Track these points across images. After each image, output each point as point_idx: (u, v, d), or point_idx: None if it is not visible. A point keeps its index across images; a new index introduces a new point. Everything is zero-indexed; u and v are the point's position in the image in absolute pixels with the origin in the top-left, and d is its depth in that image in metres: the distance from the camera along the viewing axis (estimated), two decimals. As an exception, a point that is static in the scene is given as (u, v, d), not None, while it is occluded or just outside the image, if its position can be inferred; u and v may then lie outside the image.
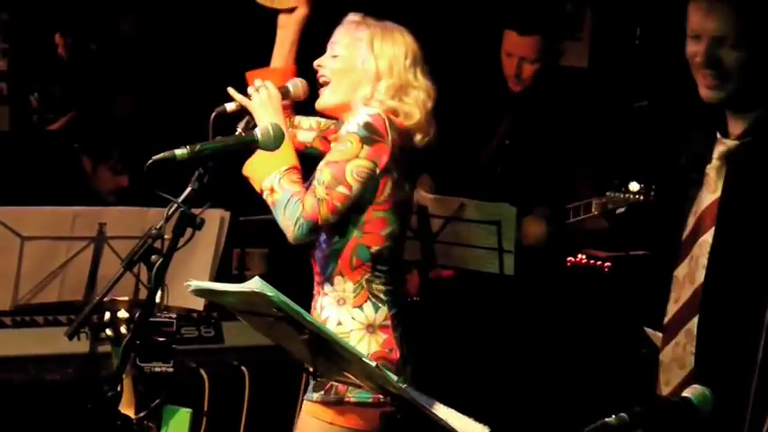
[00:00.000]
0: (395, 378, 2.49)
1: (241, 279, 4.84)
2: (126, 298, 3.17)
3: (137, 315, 2.96)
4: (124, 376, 2.93)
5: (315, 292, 3.32)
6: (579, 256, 5.27)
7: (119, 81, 6.19)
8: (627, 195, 4.22)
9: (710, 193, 2.67)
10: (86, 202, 4.62)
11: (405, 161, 3.24)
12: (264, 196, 3.19)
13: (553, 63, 4.79)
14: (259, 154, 3.16)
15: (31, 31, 6.18)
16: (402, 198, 3.26)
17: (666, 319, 2.75)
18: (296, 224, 3.12)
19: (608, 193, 4.26)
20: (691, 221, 2.71)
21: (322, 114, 3.42)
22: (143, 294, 3.05)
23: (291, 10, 3.44)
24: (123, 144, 4.95)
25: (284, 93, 3.32)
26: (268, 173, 3.17)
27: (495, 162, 4.62)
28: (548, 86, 4.72)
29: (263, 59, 3.50)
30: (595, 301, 5.22)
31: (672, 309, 2.74)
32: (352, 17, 3.36)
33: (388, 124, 3.18)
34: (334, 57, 3.30)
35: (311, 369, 2.68)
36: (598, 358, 4.94)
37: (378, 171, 3.17)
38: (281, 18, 3.45)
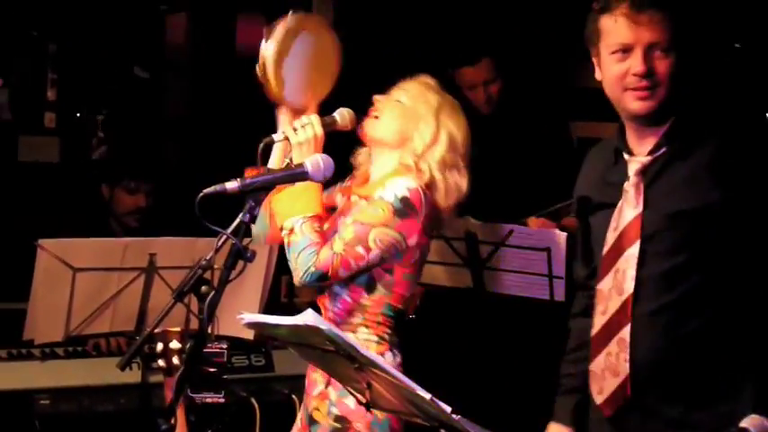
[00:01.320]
0: (449, 410, 2.47)
1: (290, 307, 4.87)
2: (177, 329, 3.18)
3: (188, 346, 2.97)
4: (177, 407, 2.93)
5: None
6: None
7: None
8: None
9: (632, 209, 2.69)
10: (107, 229, 4.67)
11: (433, 227, 3.31)
12: (282, 233, 3.20)
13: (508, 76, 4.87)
14: (289, 191, 3.18)
15: (80, 60, 6.24)
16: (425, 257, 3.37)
17: (595, 331, 2.76)
18: (306, 271, 3.16)
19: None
20: (611, 238, 2.73)
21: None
22: (194, 324, 3.06)
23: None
24: (134, 164, 4.96)
25: (331, 122, 3.32)
26: (292, 213, 3.19)
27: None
28: (513, 106, 4.80)
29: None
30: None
31: (600, 320, 2.75)
32: (427, 79, 3.39)
33: (423, 200, 3.20)
34: (397, 101, 3.32)
35: (364, 401, 2.66)
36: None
37: (404, 244, 3.20)
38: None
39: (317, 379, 3.32)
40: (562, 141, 4.99)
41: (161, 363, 3.15)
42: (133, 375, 3.75)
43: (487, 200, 3.84)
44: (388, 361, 3.22)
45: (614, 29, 2.67)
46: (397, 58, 5.28)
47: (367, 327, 3.28)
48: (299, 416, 3.38)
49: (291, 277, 4.92)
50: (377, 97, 3.36)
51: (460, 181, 3.29)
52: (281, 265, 4.04)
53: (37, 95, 6.17)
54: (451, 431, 2.50)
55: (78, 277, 3.69)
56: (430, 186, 3.24)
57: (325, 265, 3.14)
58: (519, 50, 4.96)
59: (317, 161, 2.85)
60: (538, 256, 4.08)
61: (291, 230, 3.18)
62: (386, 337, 3.28)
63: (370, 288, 3.27)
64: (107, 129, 6.21)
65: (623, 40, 2.65)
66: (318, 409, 3.28)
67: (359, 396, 2.62)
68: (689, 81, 2.69)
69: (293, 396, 4.21)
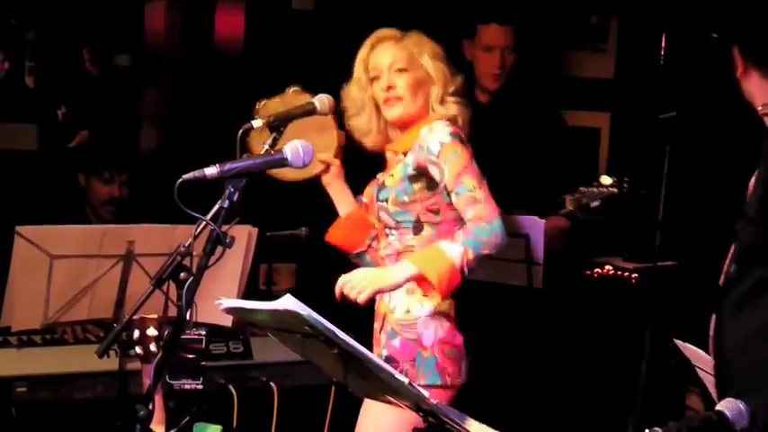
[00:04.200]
0: (426, 394, 2.48)
1: (269, 294, 4.86)
2: (155, 316, 3.18)
3: (166, 333, 2.97)
4: (155, 394, 2.93)
5: None
6: (606, 267, 5.26)
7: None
8: (600, 189, 4.22)
9: None
10: (84, 218, 4.67)
11: None
12: (470, 265, 3.33)
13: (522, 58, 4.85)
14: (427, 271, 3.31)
15: (58, 48, 6.21)
16: None
17: None
18: (498, 233, 3.35)
19: (581, 188, 4.27)
20: None
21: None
22: (172, 312, 3.06)
23: (327, 168, 3.64)
24: (110, 155, 4.95)
25: (311, 110, 3.34)
26: (444, 263, 3.31)
27: None
28: (511, 95, 4.77)
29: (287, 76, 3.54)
30: (623, 313, 5.20)
31: None
32: (385, 33, 3.58)
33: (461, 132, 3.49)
34: (400, 74, 3.52)
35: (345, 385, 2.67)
36: (626, 370, 4.92)
37: None
38: (323, 179, 3.65)
39: (376, 328, 3.59)
40: (559, 131, 4.96)
41: (138, 350, 3.15)
42: (111, 363, 3.71)
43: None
44: (434, 303, 3.45)
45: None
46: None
47: None
48: None
49: (270, 265, 4.99)
50: (384, 86, 3.53)
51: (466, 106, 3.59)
52: (260, 253, 4.05)
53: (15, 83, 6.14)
54: (429, 416, 2.52)
55: (56, 264, 3.68)
56: (452, 119, 3.54)
57: (492, 213, 3.37)
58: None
59: (296, 147, 2.86)
60: (516, 242, 4.10)
61: (464, 255, 3.32)
62: None
63: (417, 229, 3.48)
64: (77, 118, 6.18)
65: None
66: (378, 355, 3.48)
67: (338, 380, 2.63)
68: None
69: (271, 383, 4.20)
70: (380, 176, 3.64)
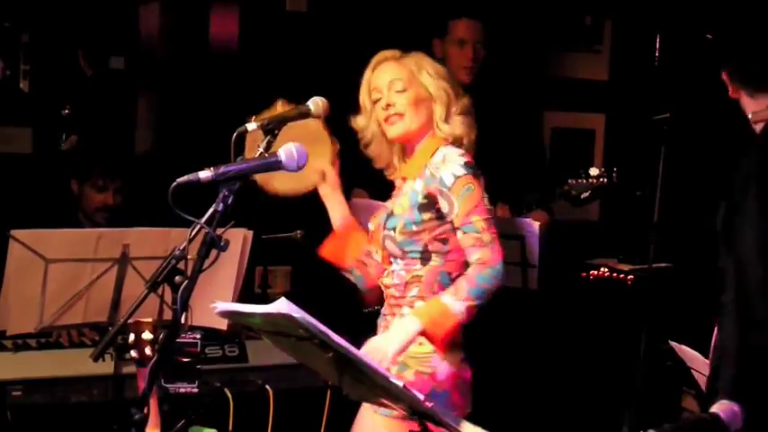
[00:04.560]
0: (422, 398, 2.49)
1: (264, 297, 4.86)
2: (150, 319, 3.17)
3: (161, 336, 2.97)
4: (150, 397, 2.93)
5: (388, 311, 3.55)
6: (602, 269, 5.26)
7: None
8: (590, 180, 4.24)
9: None
10: (77, 223, 4.66)
11: None
12: (472, 317, 3.35)
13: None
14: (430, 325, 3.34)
15: (53, 51, 6.20)
16: None
17: None
18: (500, 277, 3.36)
19: (570, 181, 4.29)
20: None
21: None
22: (167, 315, 3.05)
23: (323, 177, 3.64)
24: (104, 162, 4.93)
25: (305, 113, 3.33)
26: (450, 322, 3.33)
27: None
28: (484, 91, 4.78)
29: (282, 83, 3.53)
30: (618, 315, 5.20)
31: None
32: (387, 54, 3.58)
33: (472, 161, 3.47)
34: (400, 92, 3.49)
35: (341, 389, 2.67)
36: (622, 372, 4.92)
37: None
38: (321, 190, 3.64)
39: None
40: (533, 134, 4.99)
41: (133, 353, 3.15)
42: (106, 366, 3.73)
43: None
44: None
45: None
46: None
47: (423, 299, 3.44)
48: None
49: (265, 268, 4.98)
50: (384, 104, 3.51)
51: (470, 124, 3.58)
52: (255, 256, 4.05)
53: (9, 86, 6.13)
54: (425, 419, 2.52)
55: (51, 268, 3.67)
56: (455, 141, 3.53)
57: (495, 257, 3.36)
58: (495, 38, 4.94)
59: (290, 150, 2.85)
60: (511, 244, 4.10)
61: (469, 308, 3.33)
62: None
63: (424, 260, 3.45)
64: (72, 121, 6.18)
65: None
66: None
67: (333, 383, 2.63)
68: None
69: (267, 387, 4.20)
70: (389, 204, 3.60)
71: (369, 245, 3.66)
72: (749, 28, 2.79)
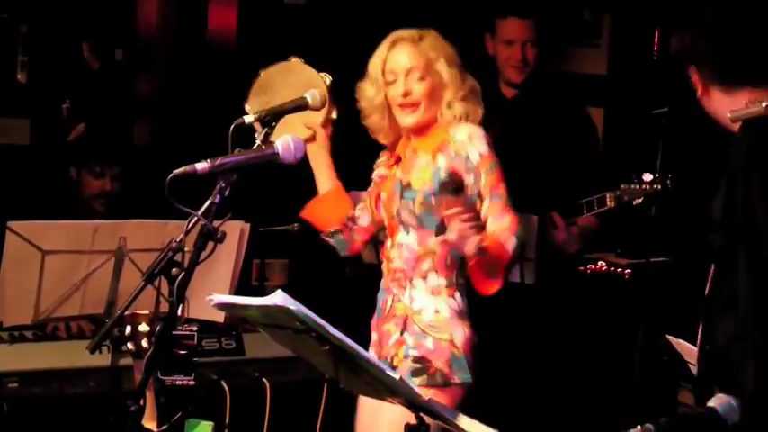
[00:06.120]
0: (418, 391, 2.48)
1: (261, 290, 4.86)
2: (147, 311, 3.17)
3: (158, 328, 2.97)
4: (146, 389, 2.93)
5: (394, 285, 3.59)
6: (599, 263, 5.25)
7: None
8: (643, 186, 4.22)
9: None
10: (77, 211, 4.65)
11: None
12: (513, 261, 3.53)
13: (546, 50, 4.82)
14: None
15: (52, 42, 6.18)
16: None
17: None
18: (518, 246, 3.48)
19: (622, 186, 4.28)
20: None
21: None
22: (164, 308, 3.05)
23: (312, 138, 3.67)
24: (102, 149, 4.93)
25: (303, 105, 3.33)
26: (505, 253, 3.46)
27: None
28: (536, 89, 4.73)
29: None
30: (615, 309, 5.20)
31: None
32: (405, 35, 3.60)
33: None
34: (421, 80, 3.55)
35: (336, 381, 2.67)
36: (619, 366, 4.92)
37: None
38: (308, 148, 3.55)
39: (389, 329, 3.58)
40: (586, 129, 4.91)
41: (130, 346, 3.15)
42: (103, 358, 3.72)
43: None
44: (457, 301, 3.53)
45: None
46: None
47: (437, 272, 3.53)
48: None
49: (262, 260, 4.98)
50: (402, 91, 3.54)
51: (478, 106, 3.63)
52: (252, 248, 4.04)
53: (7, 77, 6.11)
54: (421, 411, 2.52)
55: (48, 260, 3.67)
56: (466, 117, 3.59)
57: (516, 225, 3.48)
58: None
59: (287, 142, 2.86)
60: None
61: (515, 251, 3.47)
62: (454, 279, 3.53)
63: (439, 232, 3.49)
64: (76, 113, 6.16)
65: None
66: (397, 355, 3.53)
67: (329, 375, 2.63)
68: None
69: (263, 379, 4.20)
70: (398, 174, 3.64)
71: (354, 210, 3.74)
72: (724, 19, 2.69)
